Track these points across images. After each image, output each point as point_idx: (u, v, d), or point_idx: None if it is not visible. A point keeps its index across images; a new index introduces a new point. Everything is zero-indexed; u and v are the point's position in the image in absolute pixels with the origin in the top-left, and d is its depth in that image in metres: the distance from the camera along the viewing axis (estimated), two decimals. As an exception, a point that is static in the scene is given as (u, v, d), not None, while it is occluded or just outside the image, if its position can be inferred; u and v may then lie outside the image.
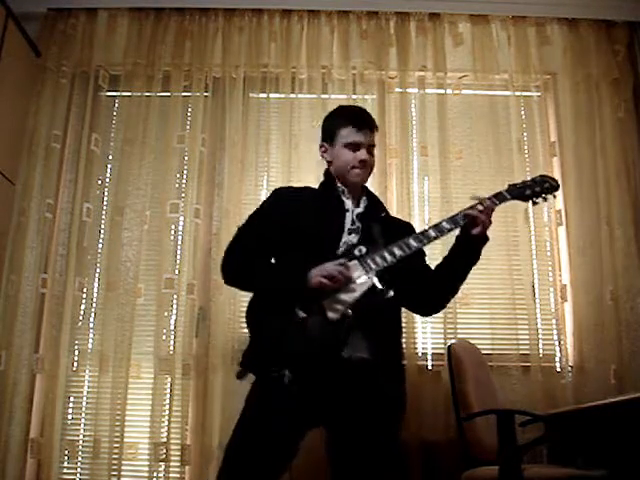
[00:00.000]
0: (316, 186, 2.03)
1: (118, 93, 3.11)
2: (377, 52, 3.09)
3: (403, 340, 2.72)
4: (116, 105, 3.13)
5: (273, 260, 1.93)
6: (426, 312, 2.14)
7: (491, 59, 3.10)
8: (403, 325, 2.76)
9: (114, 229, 2.87)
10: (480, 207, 1.84)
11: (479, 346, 2.63)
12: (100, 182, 3.00)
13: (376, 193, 2.08)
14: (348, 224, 1.88)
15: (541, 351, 2.75)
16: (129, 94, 3.06)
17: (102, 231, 2.93)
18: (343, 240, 1.84)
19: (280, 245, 1.88)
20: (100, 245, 2.92)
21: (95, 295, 2.84)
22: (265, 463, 1.69)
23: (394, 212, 2.92)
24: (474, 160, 3.01)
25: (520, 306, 2.81)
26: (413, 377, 2.68)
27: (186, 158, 2.98)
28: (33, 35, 3.01)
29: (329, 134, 1.98)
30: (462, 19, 3.14)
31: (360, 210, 1.93)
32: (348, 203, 1.92)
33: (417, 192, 2.97)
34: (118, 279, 2.80)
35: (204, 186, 2.95)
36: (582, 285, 2.83)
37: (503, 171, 2.96)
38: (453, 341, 2.57)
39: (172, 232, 2.89)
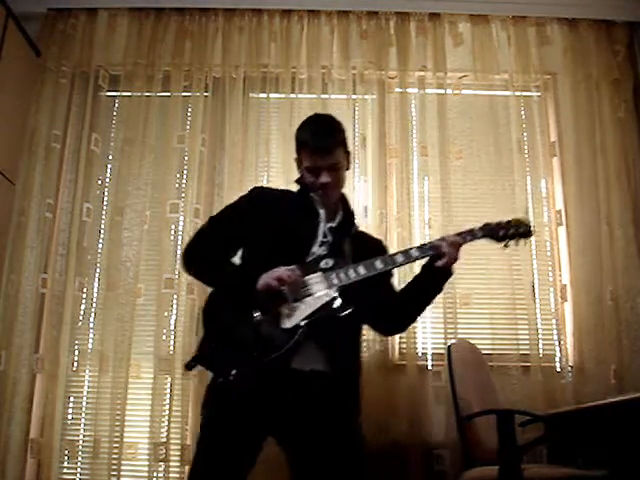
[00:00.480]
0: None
1: (118, 93, 3.11)
2: (377, 52, 3.09)
3: (403, 340, 2.77)
4: (116, 105, 3.13)
5: (238, 259, 1.91)
6: (385, 332, 2.17)
7: (491, 59, 3.10)
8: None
9: (114, 229, 2.87)
10: (450, 239, 1.86)
11: (479, 346, 2.63)
12: (100, 182, 3.00)
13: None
14: (320, 236, 1.86)
15: (541, 351, 2.75)
16: (129, 94, 3.06)
17: (102, 231, 2.93)
18: (312, 250, 1.83)
19: (248, 245, 1.88)
20: (100, 245, 2.92)
21: (95, 295, 2.84)
22: (226, 474, 1.68)
23: (394, 212, 2.93)
24: (474, 160, 3.01)
25: (520, 306, 2.81)
26: (413, 377, 2.68)
27: (186, 158, 2.98)
28: (33, 35, 3.01)
29: (297, 150, 1.94)
30: (462, 19, 3.14)
31: (333, 225, 1.91)
32: (322, 214, 1.89)
33: (417, 192, 2.97)
34: (118, 279, 2.80)
35: (204, 186, 2.95)
36: (582, 285, 2.83)
37: (503, 171, 2.97)
38: (453, 341, 2.57)
39: (172, 232, 2.89)
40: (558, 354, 2.78)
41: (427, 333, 2.83)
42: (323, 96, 3.01)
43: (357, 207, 2.90)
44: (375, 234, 2.82)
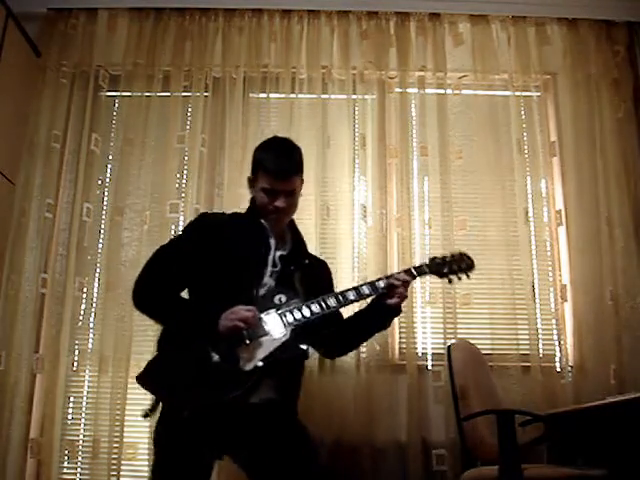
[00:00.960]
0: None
1: (118, 93, 3.11)
2: (377, 52, 3.08)
3: (403, 340, 2.78)
4: (116, 105, 3.13)
5: (186, 292, 1.90)
6: (325, 355, 2.23)
7: (491, 59, 3.10)
8: (403, 325, 2.80)
9: (114, 229, 2.87)
10: (401, 278, 1.90)
11: (479, 346, 2.63)
12: (100, 182, 3.00)
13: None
14: (270, 265, 1.87)
15: (541, 351, 2.75)
16: (129, 94, 3.06)
17: (102, 231, 2.93)
18: (264, 280, 1.84)
19: (198, 276, 1.85)
20: (100, 245, 2.91)
21: (95, 295, 2.84)
22: None
23: (394, 212, 2.93)
24: (474, 160, 3.02)
25: (520, 306, 2.81)
26: (413, 377, 2.68)
27: (186, 158, 2.98)
28: (33, 35, 3.02)
29: (253, 169, 1.95)
30: (462, 19, 3.14)
31: (283, 253, 1.92)
32: (272, 242, 1.90)
33: (417, 192, 2.97)
34: (118, 279, 2.80)
35: (204, 186, 2.95)
36: (582, 285, 2.83)
37: (503, 171, 2.97)
38: (453, 341, 2.57)
39: (172, 232, 2.88)
40: (558, 354, 2.78)
41: (427, 333, 2.83)
42: (323, 96, 3.01)
43: (357, 207, 2.91)
44: (375, 234, 2.86)
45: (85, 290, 2.83)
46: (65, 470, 2.69)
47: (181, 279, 1.88)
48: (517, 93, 3.08)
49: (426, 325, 2.83)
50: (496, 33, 3.13)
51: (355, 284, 1.95)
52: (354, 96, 3.04)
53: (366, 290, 1.89)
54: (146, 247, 2.85)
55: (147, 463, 2.59)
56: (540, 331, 2.79)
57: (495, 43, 3.12)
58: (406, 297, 1.91)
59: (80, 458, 2.68)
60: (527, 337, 2.76)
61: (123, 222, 2.87)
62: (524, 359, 2.74)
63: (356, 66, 3.07)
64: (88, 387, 2.76)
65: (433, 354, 2.78)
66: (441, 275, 2.03)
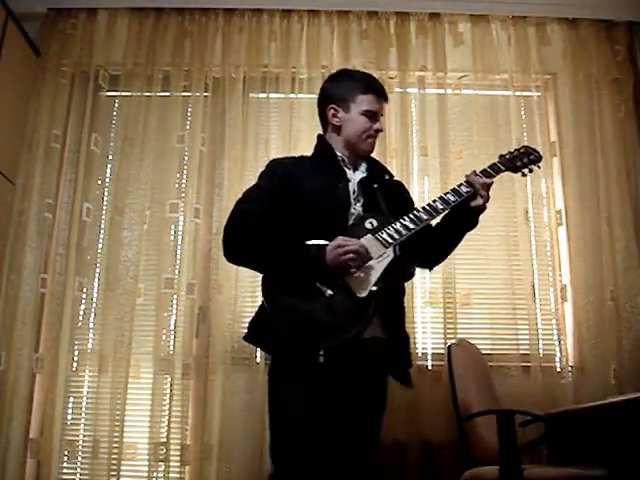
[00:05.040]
0: None
1: (118, 93, 3.11)
2: (377, 52, 3.08)
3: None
4: (116, 105, 3.13)
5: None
6: (423, 266, 2.16)
7: (491, 59, 3.10)
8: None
9: (114, 229, 2.87)
10: (480, 180, 1.89)
11: (479, 346, 2.63)
12: (100, 182, 3.00)
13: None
14: (352, 193, 1.88)
15: (541, 351, 2.75)
16: (129, 94, 3.06)
17: (102, 231, 2.93)
18: (351, 211, 1.85)
19: (283, 216, 1.83)
20: (100, 245, 2.92)
21: (95, 295, 2.84)
22: (319, 456, 1.68)
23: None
24: (474, 160, 3.00)
25: (520, 306, 2.81)
26: (413, 377, 2.66)
27: (186, 158, 2.98)
28: (33, 35, 3.01)
29: (342, 97, 1.96)
30: (462, 19, 3.14)
31: (362, 175, 1.93)
32: (350, 172, 1.93)
33: (417, 192, 2.96)
34: (118, 279, 2.80)
35: (204, 186, 2.95)
36: (582, 285, 2.83)
37: (503, 171, 2.96)
38: (453, 341, 2.56)
39: (172, 232, 2.89)
40: (558, 354, 2.78)
41: (427, 333, 2.83)
42: (323, 96, 3.01)
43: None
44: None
45: (85, 290, 2.83)
46: (65, 470, 2.69)
47: (269, 219, 1.84)
48: (517, 93, 3.08)
49: (426, 325, 2.83)
50: (496, 33, 3.13)
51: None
52: (354, 96, 3.03)
53: (451, 197, 1.89)
54: (146, 247, 2.86)
55: (147, 463, 2.60)
56: (540, 331, 2.79)
57: (495, 43, 3.12)
58: (489, 197, 1.91)
59: (80, 458, 2.68)
60: (527, 337, 2.76)
61: (123, 222, 2.87)
62: (524, 359, 2.74)
63: (356, 66, 3.06)
64: (88, 387, 2.75)
65: (433, 354, 2.77)
66: (516, 169, 2.03)
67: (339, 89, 1.99)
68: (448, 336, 2.72)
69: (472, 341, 2.63)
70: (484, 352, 2.64)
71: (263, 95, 3.07)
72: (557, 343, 2.79)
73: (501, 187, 2.93)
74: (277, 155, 2.95)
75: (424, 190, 2.98)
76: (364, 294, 1.71)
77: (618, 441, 2.12)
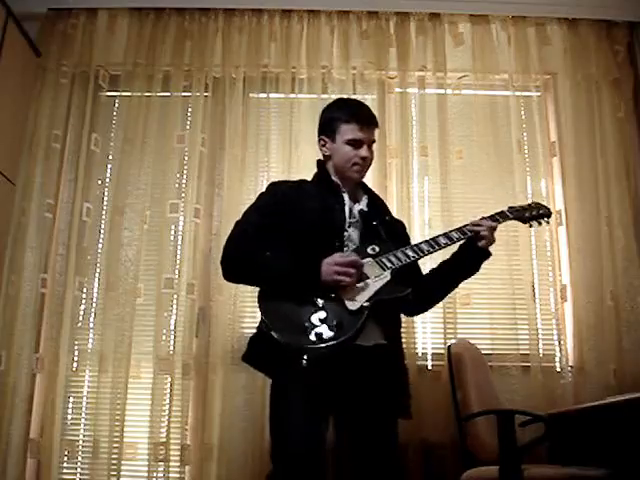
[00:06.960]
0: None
1: (118, 93, 3.11)
2: (377, 52, 3.08)
3: (403, 340, 2.77)
4: (116, 105, 3.13)
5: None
6: (409, 313, 2.23)
7: (491, 59, 3.10)
8: (403, 325, 2.78)
9: (114, 229, 2.87)
10: (486, 223, 1.96)
11: (479, 346, 2.63)
12: (100, 182, 3.00)
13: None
14: (348, 217, 1.93)
15: (541, 351, 2.75)
16: (129, 94, 3.06)
17: (102, 231, 2.93)
18: (345, 234, 1.90)
19: (280, 237, 1.89)
20: (100, 245, 2.92)
21: (95, 295, 2.84)
22: (314, 460, 1.71)
23: (394, 212, 2.92)
24: (474, 160, 3.01)
25: (520, 306, 2.81)
26: (413, 377, 2.67)
27: (186, 158, 2.98)
28: (33, 35, 3.01)
29: (329, 128, 2.00)
30: (462, 19, 3.14)
31: (362, 207, 1.98)
32: (345, 197, 1.96)
33: (417, 192, 2.97)
34: (118, 279, 2.80)
35: (204, 186, 2.95)
36: (582, 285, 2.83)
37: (503, 171, 2.96)
38: (453, 341, 2.57)
39: (172, 232, 2.89)
40: (558, 354, 2.78)
41: (427, 333, 2.83)
42: (323, 96, 3.00)
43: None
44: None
45: (85, 290, 2.83)
46: (65, 470, 2.69)
47: (265, 240, 1.89)
48: (517, 93, 3.08)
49: (426, 325, 2.83)
50: (496, 33, 3.13)
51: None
52: (354, 96, 3.03)
53: (455, 235, 1.94)
54: (146, 247, 2.86)
55: (147, 463, 2.60)
56: (540, 331, 2.79)
57: (495, 43, 3.12)
58: (494, 241, 1.96)
59: (80, 458, 2.68)
60: (527, 337, 2.76)
61: (123, 222, 2.87)
62: (524, 359, 2.74)
63: (356, 66, 3.07)
64: (88, 387, 2.75)
65: (433, 354, 2.77)
66: (524, 220, 2.11)
67: (327, 120, 2.03)
68: (448, 336, 2.72)
69: (472, 341, 2.62)
70: (484, 352, 2.64)
71: (263, 95, 3.06)
72: (557, 343, 2.79)
73: (501, 187, 2.94)
74: (277, 155, 2.98)
75: (424, 190, 2.98)
76: (354, 308, 1.77)
77: (618, 441, 2.12)
